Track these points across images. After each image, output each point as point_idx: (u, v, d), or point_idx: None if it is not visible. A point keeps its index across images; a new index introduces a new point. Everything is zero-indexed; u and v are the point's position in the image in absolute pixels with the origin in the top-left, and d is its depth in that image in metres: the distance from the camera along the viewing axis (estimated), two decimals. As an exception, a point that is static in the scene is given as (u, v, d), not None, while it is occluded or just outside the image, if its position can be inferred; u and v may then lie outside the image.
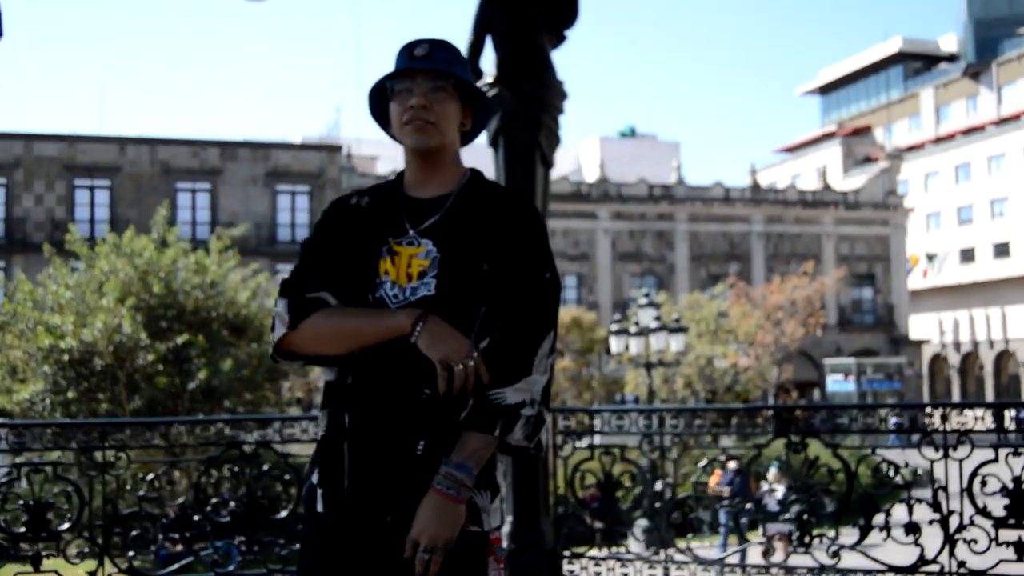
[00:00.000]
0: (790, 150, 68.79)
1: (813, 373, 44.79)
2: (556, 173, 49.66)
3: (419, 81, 2.72)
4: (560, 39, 7.34)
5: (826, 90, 77.80)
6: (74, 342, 18.02)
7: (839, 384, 40.63)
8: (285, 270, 41.18)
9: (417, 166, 2.79)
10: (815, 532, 6.22)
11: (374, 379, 2.62)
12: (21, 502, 6.30)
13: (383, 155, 49.91)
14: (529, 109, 7.10)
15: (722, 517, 10.56)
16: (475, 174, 2.85)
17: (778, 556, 6.81)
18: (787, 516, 6.53)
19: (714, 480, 9.46)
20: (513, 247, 2.69)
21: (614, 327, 24.51)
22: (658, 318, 23.44)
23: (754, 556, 7.66)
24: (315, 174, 43.92)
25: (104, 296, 18.59)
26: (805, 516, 6.35)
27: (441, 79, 2.73)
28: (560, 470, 7.01)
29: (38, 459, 6.66)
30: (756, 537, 7.25)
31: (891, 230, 50.74)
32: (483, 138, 7.42)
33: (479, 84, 7.22)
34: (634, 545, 7.59)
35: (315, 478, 2.69)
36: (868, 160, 58.80)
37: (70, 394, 18.19)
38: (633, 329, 23.57)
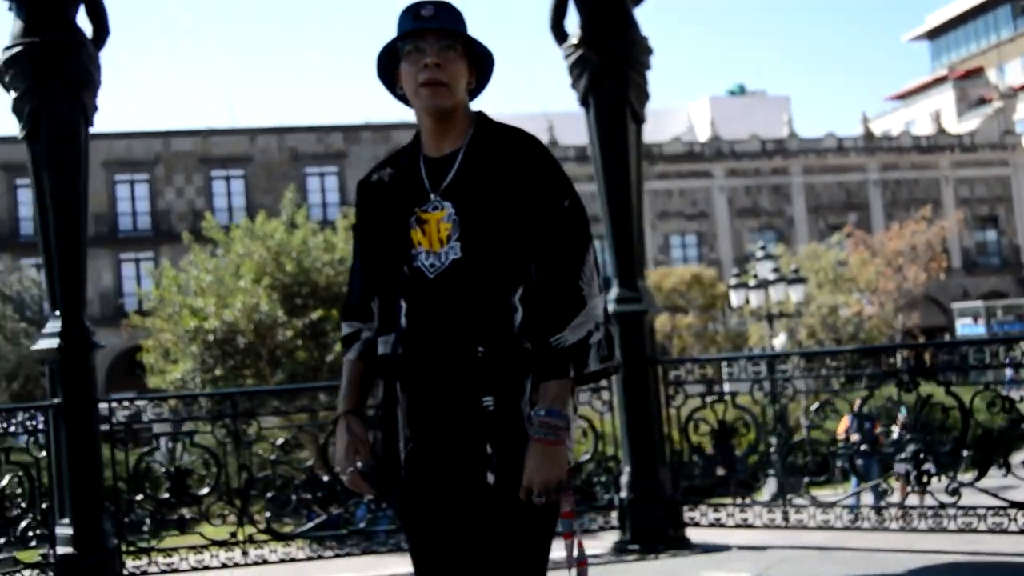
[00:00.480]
0: (901, 97, 66.50)
1: (941, 318, 43.36)
2: (668, 134, 49.12)
3: (429, 41, 2.66)
4: (642, -5, 7.17)
5: (934, 35, 74.93)
6: (217, 322, 18.53)
7: (969, 328, 39.20)
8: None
9: (431, 127, 2.72)
10: (934, 472, 6.00)
11: (423, 345, 2.61)
12: (164, 470, 6.48)
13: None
14: (616, 67, 6.97)
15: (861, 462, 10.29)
16: (481, 119, 2.76)
17: (895, 497, 6.59)
18: (903, 456, 6.30)
19: (842, 426, 9.17)
20: (527, 188, 2.63)
21: (733, 281, 24.11)
22: (776, 270, 23.00)
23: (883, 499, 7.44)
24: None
25: (241, 278, 19.07)
26: (921, 455, 6.13)
27: (450, 38, 2.67)
28: (674, 421, 6.90)
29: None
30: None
31: (1011, 170, 48.76)
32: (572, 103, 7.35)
33: (564, 46, 7.12)
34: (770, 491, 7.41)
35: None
36: (982, 102, 56.48)
37: (217, 372, 18.73)
38: (752, 282, 23.18)
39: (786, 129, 47.53)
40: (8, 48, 6.33)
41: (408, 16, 2.68)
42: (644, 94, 7.18)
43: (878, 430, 8.39)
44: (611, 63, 6.98)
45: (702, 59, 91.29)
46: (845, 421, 8.76)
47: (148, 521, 6.36)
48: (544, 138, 40.62)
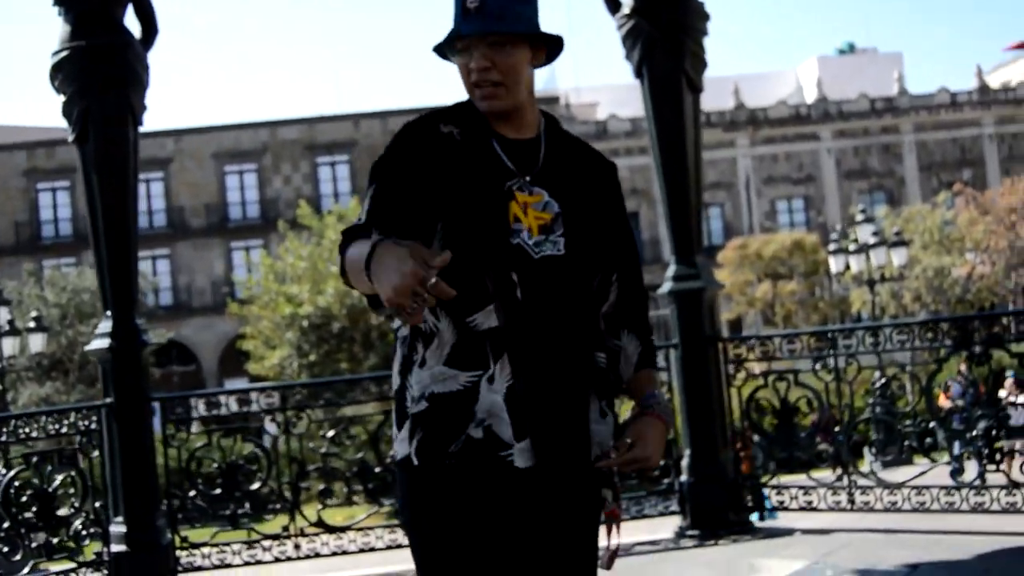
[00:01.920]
0: (1021, 46, 63.90)
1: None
2: (774, 97, 48.04)
3: (474, 41, 2.43)
4: (696, -38, 6.88)
5: (1058, -22, 71.70)
6: (311, 308, 18.75)
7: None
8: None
9: (498, 117, 2.50)
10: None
11: (539, 327, 2.40)
12: (215, 465, 6.50)
13: (603, 100, 49.43)
14: (670, 35, 6.72)
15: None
16: (549, 118, 2.60)
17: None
18: (974, 433, 5.96)
19: (944, 398, 8.79)
20: (614, 204, 2.61)
21: (832, 246, 23.46)
22: (876, 233, 22.27)
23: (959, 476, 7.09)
24: (535, 121, 43.94)
25: (334, 264, 19.23)
26: (993, 432, 5.80)
27: (495, 35, 2.44)
28: (735, 400, 6.67)
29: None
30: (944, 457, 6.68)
31: None
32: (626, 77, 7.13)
33: (617, 16, 6.90)
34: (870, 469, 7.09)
35: (473, 432, 2.36)
36: (1108, 47, 53.93)
37: (312, 357, 18.96)
38: (852, 247, 22.51)
39: (896, 87, 46.05)
40: (56, 52, 6.39)
41: (457, 5, 2.46)
42: (701, 62, 6.92)
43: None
44: (665, 31, 6.74)
45: (810, 19, 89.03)
46: (945, 395, 8.38)
47: (200, 516, 6.40)
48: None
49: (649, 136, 7.01)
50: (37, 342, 19.96)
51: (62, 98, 6.40)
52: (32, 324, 19.96)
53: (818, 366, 6.33)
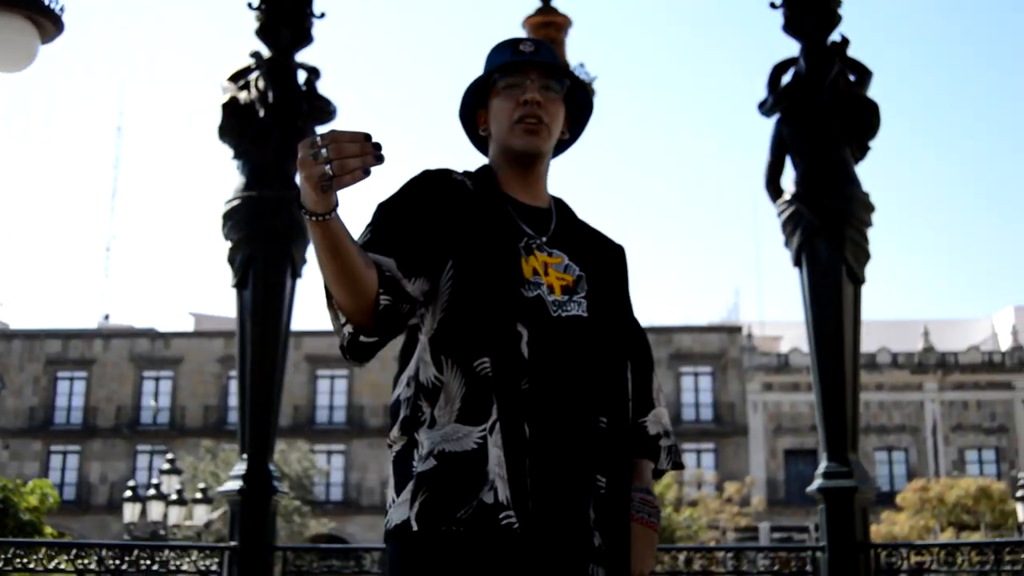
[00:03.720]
0: None
1: None
2: (965, 342, 46.36)
3: (533, 77, 2.39)
4: (864, 150, 6.75)
5: None
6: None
7: None
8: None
9: (516, 171, 2.43)
10: None
11: (550, 385, 2.23)
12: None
13: (786, 335, 48.78)
14: (831, 223, 6.53)
15: None
16: (556, 196, 2.54)
17: None
18: None
19: None
20: (623, 284, 2.54)
21: (1020, 492, 21.93)
22: (1068, 482, 20.77)
23: None
24: (717, 355, 43.61)
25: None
26: None
27: (553, 77, 2.41)
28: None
29: None
30: None
31: None
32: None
33: (777, 203, 6.77)
34: None
35: (486, 496, 2.16)
36: None
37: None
38: (1043, 496, 21.00)
39: (1098, 340, 43.90)
40: (229, 201, 6.67)
41: (506, 49, 2.44)
42: (864, 253, 6.68)
43: None
44: (826, 219, 6.57)
45: (1010, 267, 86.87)
46: None
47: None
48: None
49: (805, 326, 6.73)
50: (201, 513, 20.36)
51: (228, 244, 6.63)
52: (199, 495, 20.46)
53: (980, 582, 5.73)
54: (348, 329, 2.19)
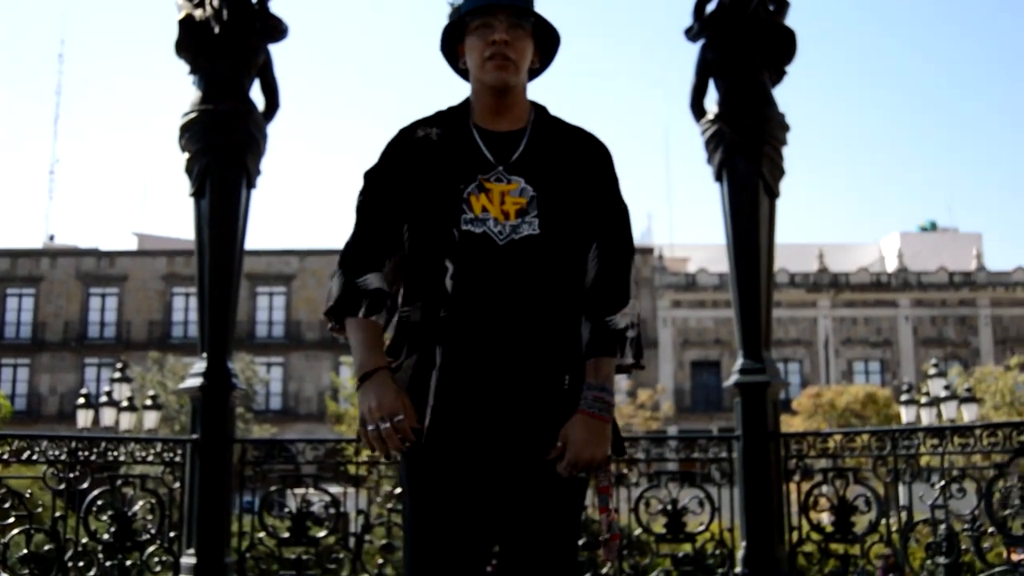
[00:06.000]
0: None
1: None
2: (855, 264, 47.40)
3: (500, 17, 2.49)
4: (781, 75, 6.81)
5: None
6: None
7: None
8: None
9: (490, 102, 2.53)
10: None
11: (480, 311, 2.35)
12: (286, 510, 6.31)
13: (694, 257, 49.40)
14: (750, 141, 6.60)
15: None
16: (539, 108, 2.61)
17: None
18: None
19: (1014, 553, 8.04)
20: (600, 181, 2.54)
21: (904, 397, 22.66)
22: (947, 387, 21.50)
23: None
24: (630, 274, 43.96)
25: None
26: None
27: (522, 16, 2.51)
28: (793, 495, 6.29)
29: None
30: None
31: None
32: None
33: (701, 122, 6.83)
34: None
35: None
36: None
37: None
38: (923, 400, 21.72)
39: (975, 264, 45.14)
40: (186, 114, 6.53)
41: None
42: (779, 169, 6.77)
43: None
44: (745, 137, 6.63)
45: (895, 197, 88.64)
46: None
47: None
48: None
49: (724, 237, 6.83)
50: (151, 419, 20.20)
51: (186, 155, 6.51)
52: (149, 402, 20.27)
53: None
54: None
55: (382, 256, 2.45)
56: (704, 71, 6.87)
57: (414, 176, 2.47)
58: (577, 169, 2.50)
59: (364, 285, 2.41)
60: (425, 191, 2.44)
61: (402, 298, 2.47)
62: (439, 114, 2.58)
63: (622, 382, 40.10)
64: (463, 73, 2.62)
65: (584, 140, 2.57)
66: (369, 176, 2.55)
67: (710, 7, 6.89)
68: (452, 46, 2.61)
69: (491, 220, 2.39)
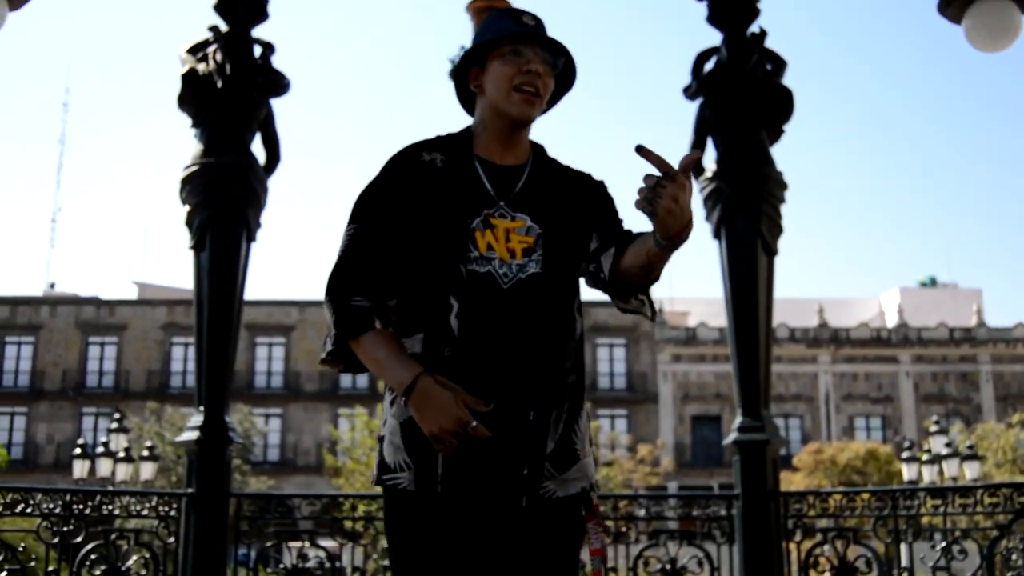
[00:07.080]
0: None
1: None
2: (855, 319, 47.38)
3: (537, 49, 2.42)
4: (778, 133, 6.86)
5: None
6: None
7: None
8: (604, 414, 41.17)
9: (502, 135, 2.46)
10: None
11: (484, 352, 2.29)
12: (281, 566, 6.25)
13: (693, 311, 49.41)
14: (748, 199, 6.63)
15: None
16: (537, 146, 2.56)
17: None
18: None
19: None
20: (603, 206, 2.53)
21: (905, 454, 22.52)
22: (949, 444, 21.38)
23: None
24: (630, 328, 43.98)
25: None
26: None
27: (556, 54, 2.45)
28: (793, 555, 6.23)
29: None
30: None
31: None
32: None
33: (699, 180, 6.86)
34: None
35: (399, 458, 2.35)
36: None
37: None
38: (925, 457, 21.59)
39: (975, 319, 45.14)
40: (187, 167, 6.57)
41: (507, 18, 2.45)
42: (777, 227, 6.80)
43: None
44: (743, 195, 6.67)
45: (895, 252, 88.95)
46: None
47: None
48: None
49: (723, 294, 6.84)
50: (148, 470, 20.06)
51: (186, 208, 6.54)
52: (146, 453, 20.15)
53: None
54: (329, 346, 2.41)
55: (377, 283, 2.35)
56: (702, 129, 6.92)
57: (418, 202, 2.37)
58: (577, 206, 2.47)
59: (363, 304, 2.33)
60: (430, 221, 2.35)
61: (397, 327, 2.37)
62: (440, 139, 2.49)
63: (622, 437, 39.98)
64: (466, 97, 2.55)
65: (581, 178, 2.55)
66: (368, 195, 2.42)
67: (708, 66, 6.95)
68: (465, 67, 2.51)
69: (496, 261, 2.33)
